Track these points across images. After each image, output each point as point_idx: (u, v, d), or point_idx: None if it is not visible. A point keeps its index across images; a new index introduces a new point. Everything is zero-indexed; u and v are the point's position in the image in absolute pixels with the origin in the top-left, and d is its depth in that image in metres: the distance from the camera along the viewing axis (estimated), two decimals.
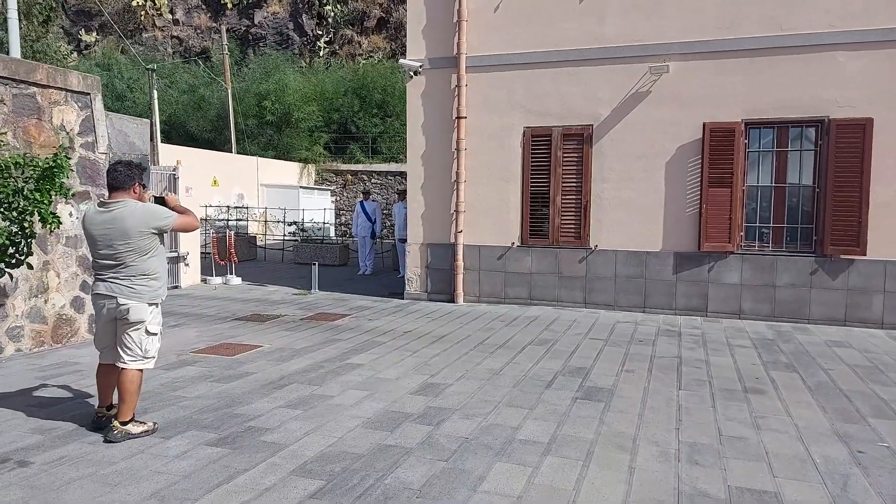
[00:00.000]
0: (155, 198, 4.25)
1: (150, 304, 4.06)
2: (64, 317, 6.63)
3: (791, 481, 3.56)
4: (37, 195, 5.39)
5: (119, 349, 4.06)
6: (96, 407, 4.30)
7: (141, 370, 4.10)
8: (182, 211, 4.25)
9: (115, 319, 4.05)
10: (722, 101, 8.41)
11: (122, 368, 4.04)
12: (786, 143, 8.37)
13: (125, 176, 4.04)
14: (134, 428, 4.06)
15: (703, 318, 8.53)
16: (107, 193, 4.15)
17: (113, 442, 3.95)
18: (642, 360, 6.25)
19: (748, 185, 8.51)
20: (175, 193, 11.13)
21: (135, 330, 4.04)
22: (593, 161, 8.99)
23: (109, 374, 4.17)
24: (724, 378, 5.65)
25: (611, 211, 8.95)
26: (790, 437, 4.24)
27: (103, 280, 4.03)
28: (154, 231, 4.02)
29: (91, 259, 4.12)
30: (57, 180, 5.51)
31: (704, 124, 8.44)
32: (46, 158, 5.56)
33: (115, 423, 4.02)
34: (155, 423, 4.21)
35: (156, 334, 4.14)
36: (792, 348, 6.84)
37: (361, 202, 13.96)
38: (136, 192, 4.10)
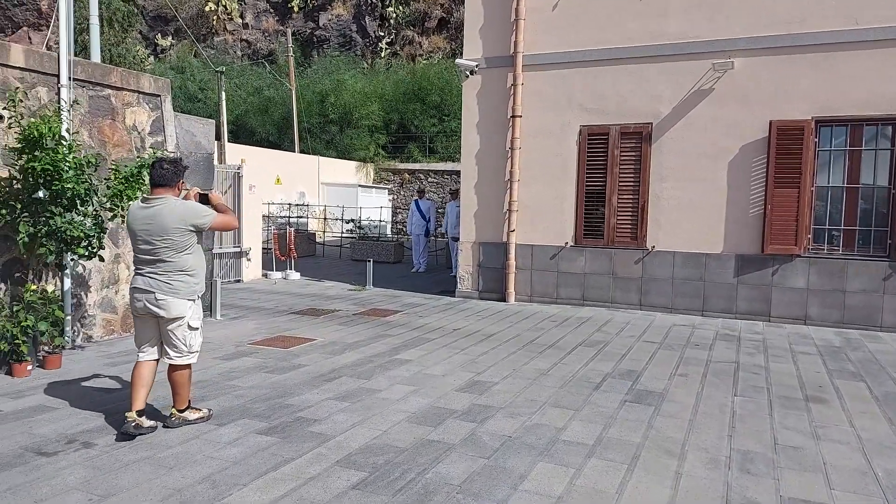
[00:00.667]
0: (200, 195, 4.30)
1: (188, 300, 4.09)
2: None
3: (849, 494, 3.39)
4: (129, 192, 5.73)
5: (166, 347, 4.14)
6: (126, 413, 4.07)
7: (189, 364, 4.20)
8: (223, 210, 4.28)
9: (152, 315, 4.07)
10: (790, 98, 8.06)
11: (170, 365, 4.14)
12: (860, 142, 7.94)
13: (170, 173, 4.09)
14: (191, 415, 4.23)
15: (765, 323, 8.20)
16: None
17: (171, 427, 4.13)
18: (697, 364, 6.07)
19: (817, 186, 8.13)
20: (248, 190, 11.54)
21: (178, 327, 4.08)
22: (652, 160, 8.78)
23: (148, 373, 4.15)
24: (784, 385, 5.42)
25: (669, 211, 8.72)
26: (851, 448, 4.03)
27: (142, 274, 4.07)
28: (192, 228, 4.04)
29: (133, 255, 4.21)
30: (143, 180, 5.82)
31: (771, 122, 8.11)
32: (138, 159, 5.91)
33: (173, 410, 4.21)
34: (210, 410, 4.38)
35: (197, 329, 4.19)
36: (860, 356, 6.50)
37: (416, 200, 14.09)
38: (178, 190, 4.17)
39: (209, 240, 8.13)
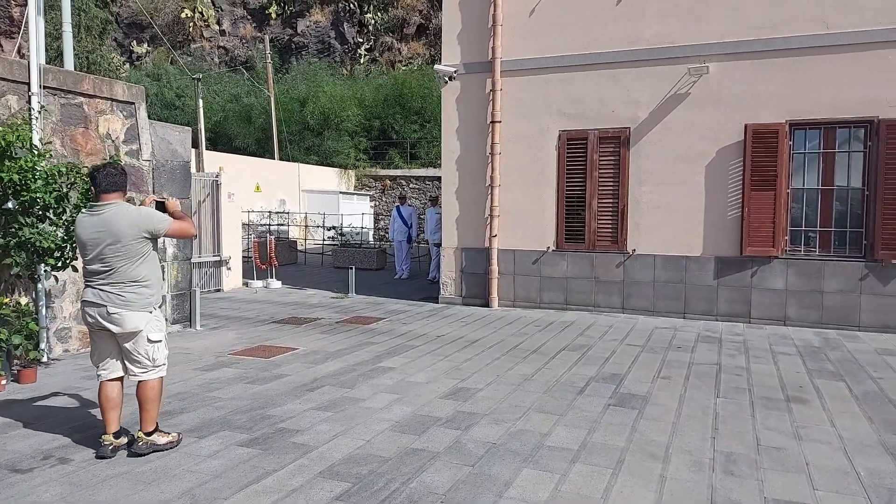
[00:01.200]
0: (156, 202, 4.12)
1: (144, 312, 3.83)
2: None
3: (832, 494, 3.41)
4: (83, 199, 5.59)
5: (128, 364, 3.89)
6: (101, 436, 3.89)
7: (157, 379, 3.93)
8: (180, 217, 4.06)
9: (107, 330, 3.81)
10: (765, 101, 8.18)
11: (138, 381, 3.89)
12: (833, 145, 8.07)
13: (121, 178, 3.88)
14: (159, 438, 3.93)
15: (745, 325, 8.28)
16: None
17: (139, 454, 3.82)
18: (680, 366, 6.10)
19: (793, 188, 8.24)
20: (227, 198, 11.40)
21: (136, 341, 3.83)
22: (631, 164, 8.85)
23: (114, 393, 3.90)
24: (766, 386, 5.47)
25: (649, 215, 8.78)
26: (833, 448, 4.07)
27: (92, 286, 3.82)
28: (147, 235, 3.82)
29: (82, 266, 3.94)
30: None
31: (746, 126, 8.22)
32: (92, 166, 5.77)
33: (140, 433, 3.89)
34: (180, 434, 4.10)
35: (159, 341, 3.92)
36: (839, 356, 6.58)
37: (398, 207, 14.06)
38: (125, 194, 3.97)
39: (187, 249, 8.01)
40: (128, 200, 3.97)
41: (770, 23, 8.13)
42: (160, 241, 4.01)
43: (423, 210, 17.85)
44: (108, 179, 3.84)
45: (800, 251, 8.23)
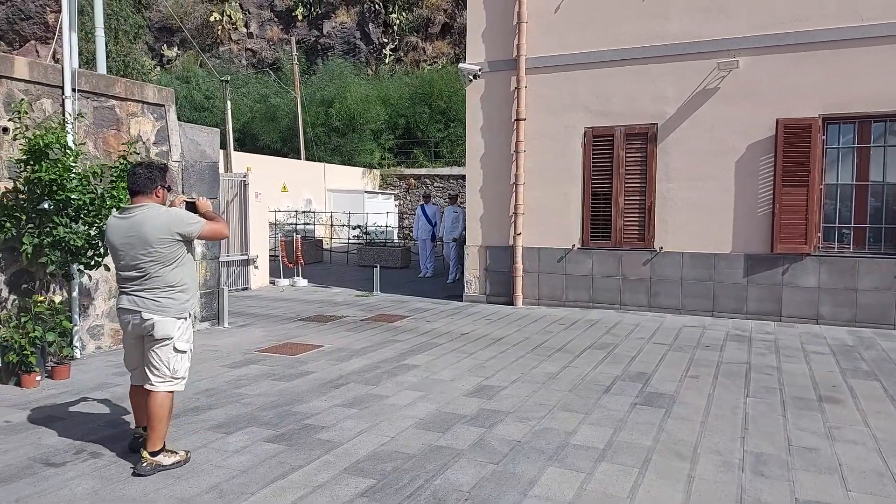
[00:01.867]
0: (186, 203, 3.92)
1: (178, 319, 3.69)
2: None
3: (866, 496, 3.33)
4: (115, 192, 5.72)
5: (146, 369, 3.71)
6: (133, 427, 4.03)
7: (171, 392, 3.71)
8: (212, 217, 3.88)
9: (141, 336, 3.71)
10: (797, 96, 8.00)
11: (150, 391, 3.67)
12: (868, 139, 7.87)
13: (145, 178, 3.68)
14: (165, 459, 3.64)
15: (776, 323, 8.12)
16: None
17: (142, 475, 3.54)
18: (708, 365, 6.01)
19: (826, 184, 8.05)
20: (254, 198, 11.55)
21: (161, 347, 3.66)
22: (658, 161, 8.73)
23: (142, 394, 3.78)
24: (797, 386, 5.35)
25: (677, 212, 8.66)
26: (867, 448, 3.97)
27: (127, 293, 3.68)
28: (179, 238, 3.63)
29: (115, 272, 3.80)
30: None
31: (778, 121, 8.05)
32: (123, 161, 5.90)
33: (145, 453, 3.61)
34: (188, 452, 3.81)
35: (185, 352, 3.75)
36: (874, 355, 6.41)
37: (422, 205, 14.09)
38: (159, 196, 3.74)
39: (215, 248, 8.13)
40: (190, 202, 3.88)
41: (802, 15, 7.95)
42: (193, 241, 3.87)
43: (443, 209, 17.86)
44: (134, 180, 3.68)
45: (833, 248, 8.04)
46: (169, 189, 3.86)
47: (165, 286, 3.65)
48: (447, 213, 13.19)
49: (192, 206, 3.91)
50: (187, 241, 3.72)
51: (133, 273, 3.64)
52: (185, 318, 3.74)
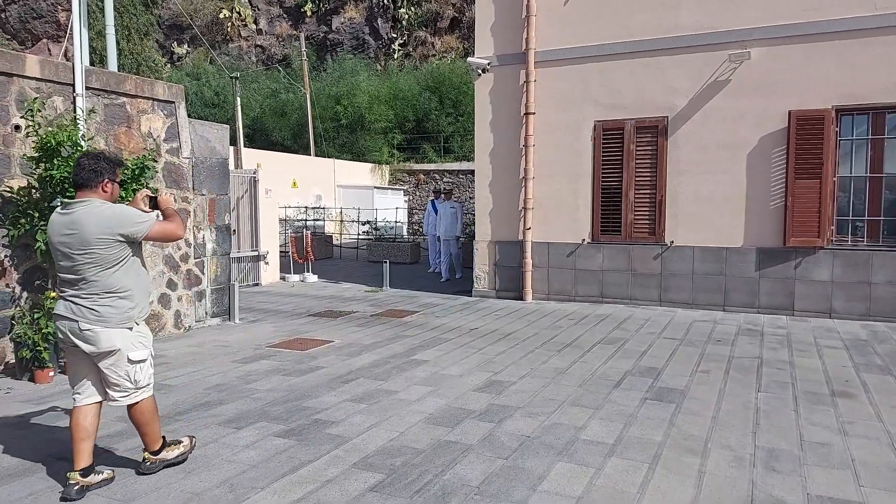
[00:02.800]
0: (150, 198, 3.56)
1: (122, 329, 3.31)
2: (152, 312, 7.04)
3: (879, 491, 3.29)
4: (123, 194, 5.75)
5: (107, 388, 3.39)
6: (67, 473, 3.31)
7: (148, 398, 3.48)
8: (171, 215, 3.51)
9: (79, 348, 3.29)
10: (810, 87, 7.91)
11: (127, 406, 3.46)
12: (882, 130, 7.76)
13: (89, 171, 3.29)
14: (169, 453, 3.58)
15: (788, 317, 8.05)
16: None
17: (148, 473, 3.50)
18: (719, 360, 5.97)
19: (839, 176, 7.96)
20: (264, 194, 11.58)
21: (114, 362, 3.32)
22: (668, 154, 8.67)
23: (89, 421, 3.36)
24: (810, 380, 5.30)
25: (687, 205, 8.59)
26: (881, 443, 3.93)
27: (64, 299, 3.32)
28: (121, 238, 3.26)
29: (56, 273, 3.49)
30: (143, 181, 5.88)
31: (790, 112, 7.96)
32: (135, 159, 5.94)
33: (147, 454, 3.52)
34: (192, 438, 3.79)
35: (142, 360, 3.40)
36: (888, 349, 6.34)
37: (432, 201, 14.02)
38: (106, 191, 3.35)
39: (226, 244, 8.17)
40: (153, 197, 3.54)
41: (815, 5, 7.85)
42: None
43: (463, 203, 17.72)
44: (77, 172, 3.30)
45: (846, 241, 7.95)
46: (121, 184, 3.51)
47: (105, 292, 3.26)
48: (444, 210, 12.66)
49: (153, 202, 3.57)
50: (132, 243, 3.35)
51: (70, 276, 3.28)
52: (132, 328, 3.37)
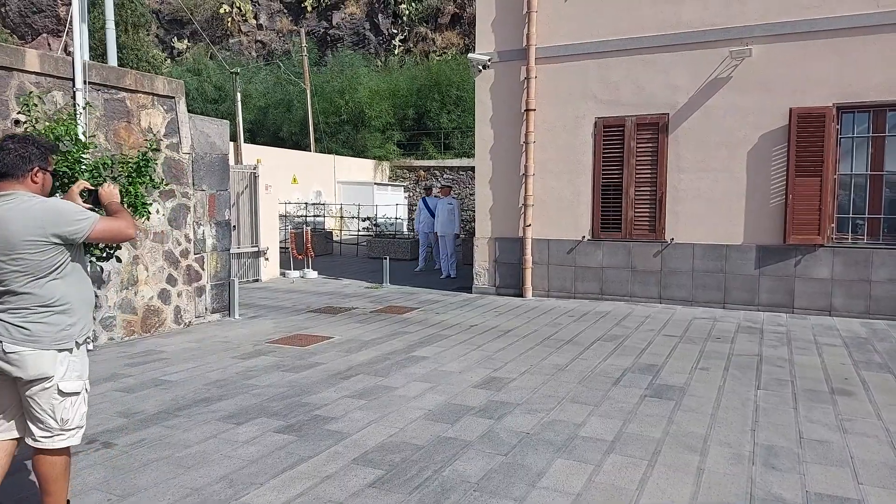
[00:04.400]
0: (88, 190, 2.96)
1: (57, 350, 2.65)
2: (152, 308, 7.05)
3: (878, 489, 3.29)
4: (130, 188, 5.74)
5: (27, 422, 2.72)
6: None
7: (66, 448, 2.76)
8: (116, 210, 2.87)
9: (4, 374, 2.63)
10: (811, 84, 7.89)
11: (36, 450, 2.72)
12: (883, 128, 7.75)
13: (15, 157, 2.65)
14: None
15: (788, 315, 8.05)
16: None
17: None
18: (719, 357, 5.97)
19: (840, 174, 7.95)
20: (264, 190, 11.56)
21: (41, 391, 2.65)
22: (669, 151, 8.66)
23: (6, 454, 2.76)
24: (809, 378, 5.31)
25: (688, 203, 8.59)
26: (880, 441, 3.93)
27: None
28: (57, 240, 2.62)
29: None
30: (147, 174, 5.86)
31: (791, 110, 7.95)
32: (137, 153, 5.93)
33: None
34: None
35: (76, 393, 2.72)
36: (888, 347, 6.35)
37: (424, 198, 13.84)
38: (36, 182, 2.72)
39: (226, 239, 8.16)
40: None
41: (816, 2, 7.83)
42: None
43: (461, 200, 17.67)
44: (1, 158, 2.66)
45: (847, 239, 7.95)
46: (54, 174, 3.00)
47: (37, 306, 2.62)
48: (441, 206, 12.52)
49: (92, 194, 2.96)
50: (70, 245, 2.68)
51: None
52: (70, 350, 2.70)
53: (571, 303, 9.03)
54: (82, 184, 2.98)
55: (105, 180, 5.73)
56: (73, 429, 2.75)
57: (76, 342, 2.73)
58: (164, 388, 5.03)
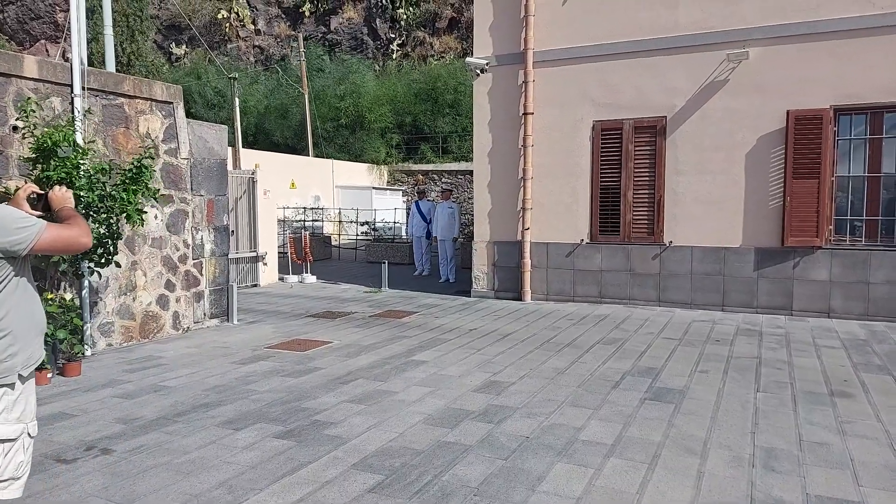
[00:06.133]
0: (37, 195, 2.55)
1: None
2: (150, 313, 7.04)
3: (878, 491, 3.29)
4: (124, 195, 5.74)
5: None
6: None
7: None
8: (68, 216, 2.45)
9: None
10: (808, 87, 7.91)
11: None
12: (881, 130, 7.77)
13: None
14: None
15: (787, 317, 8.05)
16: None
17: None
18: (718, 360, 5.97)
19: (838, 176, 7.97)
20: (262, 195, 11.54)
21: None
22: (667, 154, 8.67)
23: None
24: (808, 380, 5.31)
25: (686, 205, 8.60)
26: (879, 443, 3.93)
27: None
28: None
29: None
30: (143, 181, 5.86)
31: (788, 112, 7.97)
32: (133, 160, 5.93)
33: None
34: None
35: (10, 440, 2.23)
36: (887, 349, 6.35)
37: (417, 202, 13.76)
38: None
39: (225, 244, 8.15)
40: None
41: (813, 5, 7.86)
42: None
43: (460, 204, 17.68)
44: None
45: (845, 241, 7.96)
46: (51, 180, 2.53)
47: None
48: (441, 210, 12.46)
49: (41, 199, 2.56)
50: (12, 258, 2.25)
51: None
52: (11, 386, 2.24)
53: (570, 306, 9.03)
54: (30, 187, 2.56)
55: (104, 186, 5.74)
56: (8, 479, 2.25)
57: (19, 375, 2.24)
58: (162, 394, 5.02)
